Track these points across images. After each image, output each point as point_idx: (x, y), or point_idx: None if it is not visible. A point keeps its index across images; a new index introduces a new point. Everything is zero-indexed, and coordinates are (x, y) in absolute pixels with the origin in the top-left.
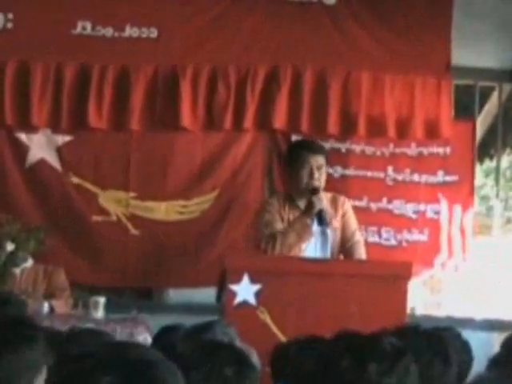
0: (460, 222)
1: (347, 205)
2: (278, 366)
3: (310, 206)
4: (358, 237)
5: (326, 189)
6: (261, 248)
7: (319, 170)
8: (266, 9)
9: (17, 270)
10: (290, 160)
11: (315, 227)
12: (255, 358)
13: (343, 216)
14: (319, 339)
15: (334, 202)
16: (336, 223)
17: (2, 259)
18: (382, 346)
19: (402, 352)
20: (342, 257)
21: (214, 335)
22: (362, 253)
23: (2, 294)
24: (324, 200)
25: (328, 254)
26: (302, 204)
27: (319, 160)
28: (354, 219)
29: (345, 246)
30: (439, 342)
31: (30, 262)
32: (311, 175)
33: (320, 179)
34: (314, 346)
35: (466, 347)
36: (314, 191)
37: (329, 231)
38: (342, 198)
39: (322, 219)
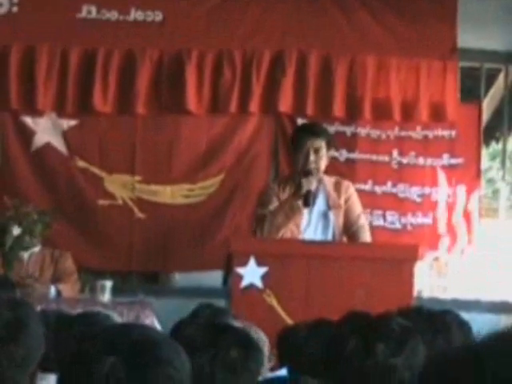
0: (465, 205)
1: (351, 189)
2: (285, 349)
3: (298, 187)
4: (363, 221)
5: (331, 172)
6: (252, 229)
7: (317, 153)
8: None
9: (24, 254)
10: (291, 144)
11: (316, 208)
12: (262, 337)
13: (347, 200)
14: (326, 322)
15: (338, 187)
16: (339, 206)
17: (9, 243)
18: (389, 327)
19: (409, 333)
20: (345, 240)
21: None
22: (366, 236)
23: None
24: (314, 183)
25: (329, 238)
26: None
27: (316, 143)
28: (358, 203)
29: (349, 230)
30: (441, 323)
31: (38, 247)
32: (306, 158)
33: (318, 162)
34: (321, 329)
35: (466, 329)
36: (306, 173)
37: (331, 214)
38: (345, 183)
39: (307, 200)
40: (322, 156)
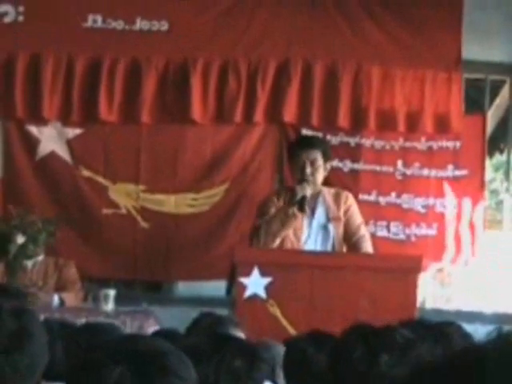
0: (470, 217)
1: (350, 200)
2: (289, 360)
3: (293, 194)
4: (364, 231)
5: (335, 183)
6: (250, 238)
7: (312, 165)
8: (276, 2)
9: (28, 263)
10: (288, 156)
11: (316, 220)
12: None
13: (346, 211)
14: (327, 334)
15: (337, 198)
16: (338, 218)
17: (13, 252)
18: (393, 338)
19: (413, 344)
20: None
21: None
22: (367, 246)
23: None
24: (309, 190)
25: (329, 249)
26: None
27: (312, 154)
28: (358, 214)
29: (350, 241)
30: (444, 334)
31: (41, 256)
32: (303, 170)
33: (314, 174)
34: (325, 340)
35: (469, 340)
36: (301, 181)
37: (330, 226)
38: (344, 194)
39: (302, 206)
40: (318, 167)
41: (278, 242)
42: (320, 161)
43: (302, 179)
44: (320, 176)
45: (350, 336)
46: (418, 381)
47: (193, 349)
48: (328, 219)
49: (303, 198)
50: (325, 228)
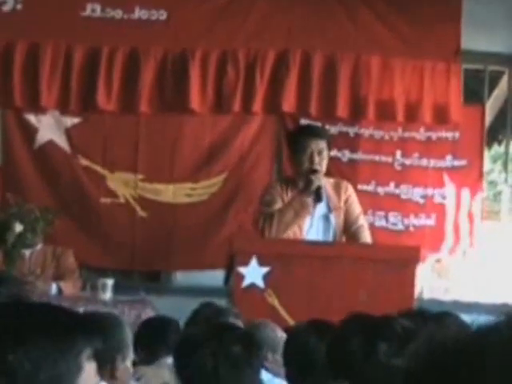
0: (468, 207)
1: (350, 190)
2: (288, 350)
3: (308, 183)
4: (362, 221)
5: (334, 172)
6: (259, 227)
7: (320, 155)
8: None
9: (26, 252)
10: (291, 145)
11: (317, 210)
12: (281, 332)
13: (346, 201)
14: (327, 323)
15: (337, 188)
16: (339, 208)
17: (11, 240)
18: (392, 328)
19: (412, 334)
20: (344, 241)
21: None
22: (366, 236)
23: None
24: (323, 180)
25: (330, 239)
26: None
27: (320, 144)
28: (357, 203)
29: (349, 231)
30: (442, 324)
31: (40, 244)
32: (311, 160)
33: (321, 163)
34: (325, 329)
35: (467, 330)
36: (314, 171)
37: (332, 216)
38: (344, 183)
39: (319, 196)
40: (324, 157)
41: (289, 231)
42: (326, 151)
43: (313, 169)
44: (325, 166)
45: (348, 325)
46: (420, 367)
47: (191, 337)
48: (329, 209)
49: (319, 187)
50: (326, 218)
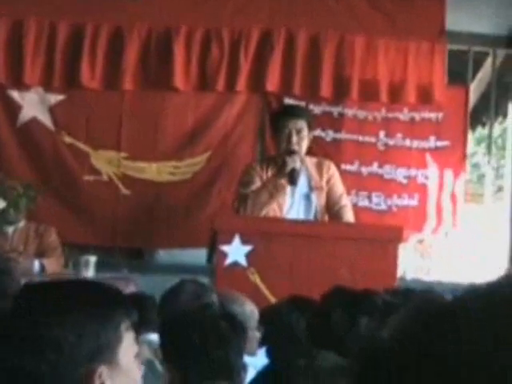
0: (451, 188)
1: (333, 169)
2: (269, 327)
3: (283, 165)
4: (346, 201)
5: (317, 152)
6: (234, 208)
7: (298, 134)
8: None
9: (8, 229)
10: (272, 125)
11: (298, 189)
12: (250, 308)
13: (329, 181)
14: (309, 300)
15: (320, 167)
16: (321, 187)
17: None
18: (373, 301)
19: (393, 308)
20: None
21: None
22: (349, 216)
23: None
24: (298, 162)
25: (311, 218)
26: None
27: (298, 124)
28: (340, 183)
29: (332, 210)
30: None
31: (22, 222)
32: (289, 139)
33: (300, 143)
34: (304, 306)
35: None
36: (290, 152)
37: (313, 195)
38: (327, 163)
39: (293, 179)
40: (303, 137)
41: (264, 212)
42: (305, 130)
43: (290, 150)
44: (305, 146)
45: (330, 299)
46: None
47: (178, 314)
48: (310, 189)
49: (293, 170)
50: (307, 198)
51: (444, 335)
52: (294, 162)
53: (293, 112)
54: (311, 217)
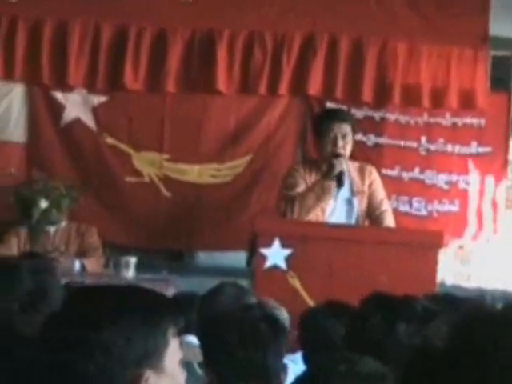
0: (492, 194)
1: (374, 174)
2: (306, 331)
3: (330, 168)
4: (386, 205)
5: (359, 157)
6: (280, 210)
7: (343, 139)
8: None
9: (50, 228)
10: (316, 128)
11: (341, 194)
12: (285, 315)
13: (370, 185)
14: (346, 305)
15: (362, 171)
16: (363, 192)
17: (36, 216)
18: (413, 307)
19: (432, 315)
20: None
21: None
22: (390, 221)
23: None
24: (345, 164)
25: (353, 223)
26: None
27: (344, 128)
28: (381, 188)
29: (373, 215)
30: (461, 308)
31: (64, 221)
32: (335, 143)
33: (345, 147)
34: (343, 312)
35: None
36: (337, 155)
37: (355, 200)
38: (369, 167)
39: (341, 181)
40: (348, 141)
41: (310, 216)
42: (350, 135)
43: (337, 153)
44: (349, 150)
45: (368, 304)
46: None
47: (217, 315)
48: (353, 193)
49: (341, 172)
50: (349, 202)
51: (498, 341)
52: (341, 165)
53: (338, 116)
54: (353, 221)
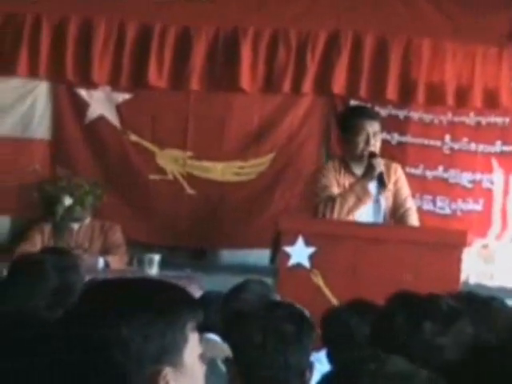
0: None
1: (399, 172)
2: (329, 329)
3: (370, 168)
4: (411, 203)
5: (382, 155)
6: (318, 211)
7: (375, 137)
8: None
9: (74, 225)
10: (345, 126)
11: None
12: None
13: (396, 183)
14: (369, 304)
15: (387, 169)
16: (389, 190)
17: (60, 213)
18: (438, 307)
19: (458, 314)
20: (392, 223)
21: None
22: (414, 219)
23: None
24: (382, 164)
25: (381, 221)
26: (357, 170)
27: (375, 126)
28: (406, 186)
29: (397, 213)
30: (486, 307)
31: (88, 218)
32: (367, 142)
33: (376, 145)
34: (366, 310)
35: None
36: (373, 155)
37: (382, 198)
38: (394, 165)
39: (381, 181)
40: (378, 139)
41: (351, 217)
42: (380, 133)
43: (373, 153)
44: (379, 148)
45: (393, 303)
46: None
47: (241, 312)
48: (379, 192)
49: (381, 173)
50: (376, 201)
51: None
52: (380, 165)
53: (369, 114)
54: (380, 219)
